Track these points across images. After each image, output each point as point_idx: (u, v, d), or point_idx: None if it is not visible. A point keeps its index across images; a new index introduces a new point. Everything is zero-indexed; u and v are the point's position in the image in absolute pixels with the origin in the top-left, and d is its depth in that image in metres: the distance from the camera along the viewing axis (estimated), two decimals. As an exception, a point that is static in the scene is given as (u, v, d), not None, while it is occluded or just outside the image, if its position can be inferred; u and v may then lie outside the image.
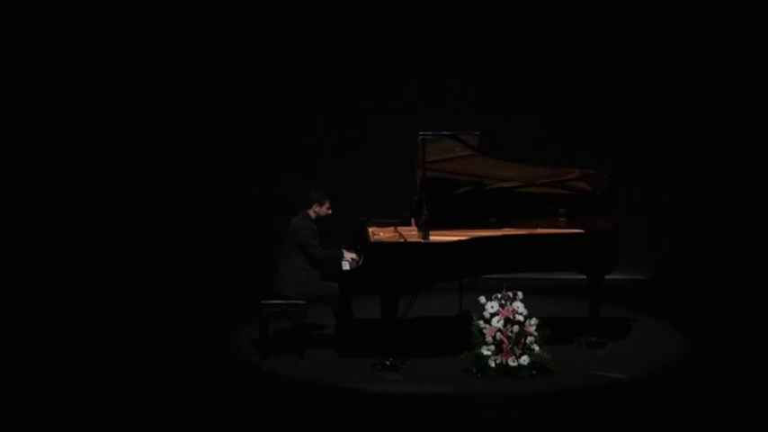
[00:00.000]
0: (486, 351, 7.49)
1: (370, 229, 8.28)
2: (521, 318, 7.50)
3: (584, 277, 8.15)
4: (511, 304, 7.54)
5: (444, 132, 7.94)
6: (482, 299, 7.63)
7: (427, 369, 7.64)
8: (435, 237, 7.78)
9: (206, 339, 8.55)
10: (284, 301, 7.80)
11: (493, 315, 7.52)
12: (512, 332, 7.47)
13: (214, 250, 10.91)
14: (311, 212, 8.02)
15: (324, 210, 8.03)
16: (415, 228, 8.29)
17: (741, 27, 10.60)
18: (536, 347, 7.51)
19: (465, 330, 7.67)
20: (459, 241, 7.74)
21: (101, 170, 10.87)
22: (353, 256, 7.98)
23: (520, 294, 7.61)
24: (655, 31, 10.68)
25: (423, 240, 7.74)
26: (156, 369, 7.79)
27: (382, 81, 10.79)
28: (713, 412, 6.92)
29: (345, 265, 7.90)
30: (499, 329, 7.47)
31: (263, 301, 7.82)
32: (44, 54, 10.68)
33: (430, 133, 7.84)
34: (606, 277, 8.14)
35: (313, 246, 7.88)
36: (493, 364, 7.45)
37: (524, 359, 7.43)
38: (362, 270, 7.62)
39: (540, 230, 8.19)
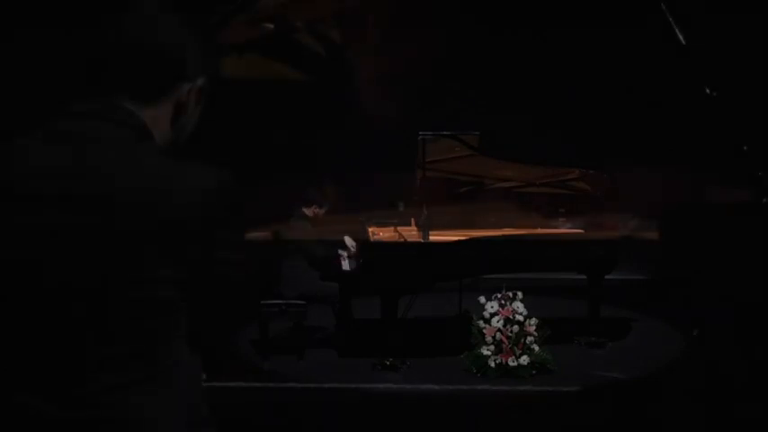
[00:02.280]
0: (485, 351, 7.48)
1: (370, 229, 8.27)
2: (520, 318, 7.50)
3: (585, 277, 8.16)
4: (511, 304, 7.54)
5: (444, 132, 7.94)
6: (482, 299, 7.63)
7: (427, 369, 7.64)
8: (435, 237, 7.78)
9: (206, 339, 8.53)
10: (284, 301, 7.80)
11: (493, 315, 7.52)
12: (511, 332, 7.46)
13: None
14: (307, 212, 7.99)
15: (318, 211, 8.01)
16: (415, 228, 8.29)
17: (742, 26, 10.59)
18: (536, 347, 7.50)
19: (465, 330, 7.67)
20: (459, 241, 7.74)
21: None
22: (353, 243, 7.94)
23: (520, 294, 7.60)
24: (654, 30, 10.66)
25: (423, 240, 7.74)
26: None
27: (382, 81, 10.77)
28: (713, 412, 6.91)
29: (345, 265, 7.90)
30: (499, 329, 7.47)
31: (263, 301, 7.82)
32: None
33: (430, 133, 7.83)
34: (606, 277, 8.14)
35: (308, 247, 7.86)
36: (493, 364, 7.44)
37: (524, 359, 7.42)
38: (362, 270, 7.62)
39: (540, 230, 8.19)
